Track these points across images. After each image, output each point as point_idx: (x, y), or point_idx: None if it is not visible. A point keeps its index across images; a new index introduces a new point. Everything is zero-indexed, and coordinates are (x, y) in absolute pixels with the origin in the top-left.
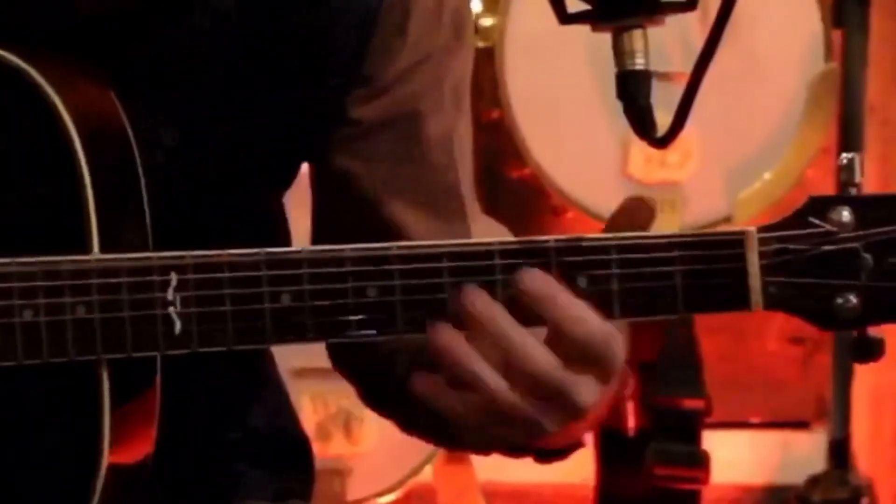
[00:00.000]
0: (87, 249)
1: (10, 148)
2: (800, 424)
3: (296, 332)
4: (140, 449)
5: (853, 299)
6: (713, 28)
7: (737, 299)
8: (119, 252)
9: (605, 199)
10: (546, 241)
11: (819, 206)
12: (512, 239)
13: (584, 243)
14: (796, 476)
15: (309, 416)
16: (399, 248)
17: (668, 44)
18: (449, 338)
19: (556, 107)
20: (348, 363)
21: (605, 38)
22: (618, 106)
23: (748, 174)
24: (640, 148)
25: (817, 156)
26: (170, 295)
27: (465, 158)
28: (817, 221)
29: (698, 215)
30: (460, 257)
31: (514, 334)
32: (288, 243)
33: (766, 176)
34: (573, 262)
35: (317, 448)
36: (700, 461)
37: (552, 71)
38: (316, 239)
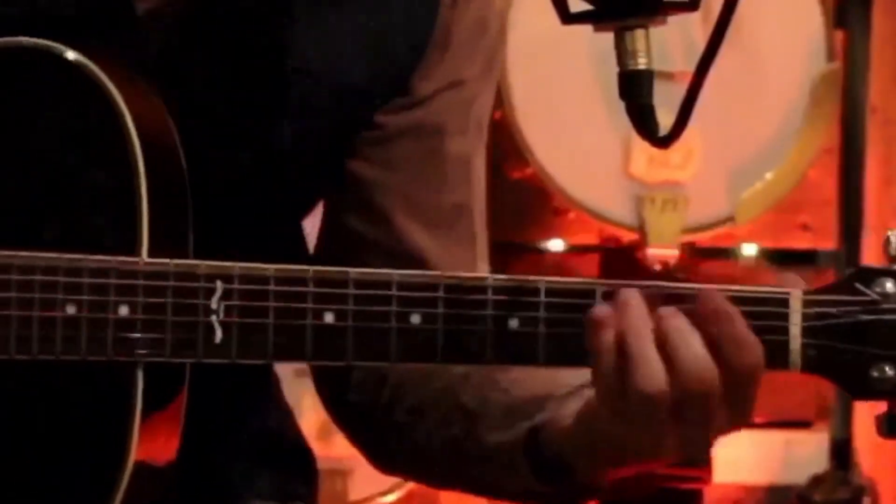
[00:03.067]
0: (135, 252)
1: (71, 144)
2: (802, 424)
3: (335, 353)
4: (165, 450)
5: (889, 371)
6: (716, 28)
7: (776, 358)
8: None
9: (608, 199)
10: (593, 284)
11: (866, 275)
12: (556, 279)
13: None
14: (798, 476)
15: (310, 416)
16: (448, 277)
17: (670, 43)
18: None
19: (559, 107)
20: (355, 427)
21: (608, 38)
22: (620, 106)
23: (750, 174)
24: (642, 148)
25: (819, 156)
26: (214, 303)
27: (479, 188)
28: (863, 289)
29: (700, 215)
30: (507, 291)
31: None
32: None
33: (768, 176)
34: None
35: (318, 448)
36: (702, 461)
37: (554, 71)
38: (322, 246)
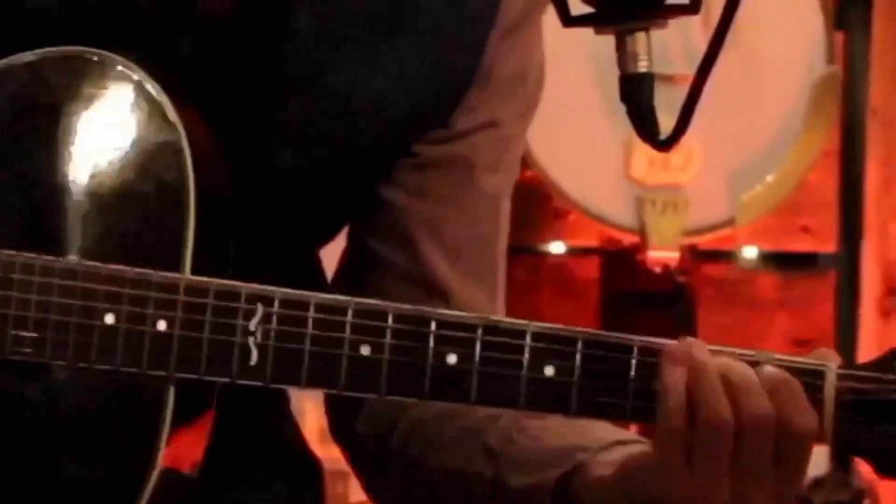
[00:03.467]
0: (178, 268)
1: (123, 154)
2: None
3: (368, 385)
4: (191, 458)
5: None
6: (716, 31)
7: None
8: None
9: (608, 201)
10: (631, 340)
11: None
12: (595, 332)
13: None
14: None
15: (312, 420)
16: (487, 319)
17: (671, 46)
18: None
19: (559, 109)
20: (359, 454)
21: (609, 41)
22: (621, 108)
23: (751, 177)
24: (642, 150)
25: (819, 158)
26: (252, 325)
27: (504, 228)
28: None
29: (701, 217)
30: (545, 338)
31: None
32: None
33: (769, 179)
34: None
35: (319, 451)
36: None
37: (555, 74)
38: (344, 267)
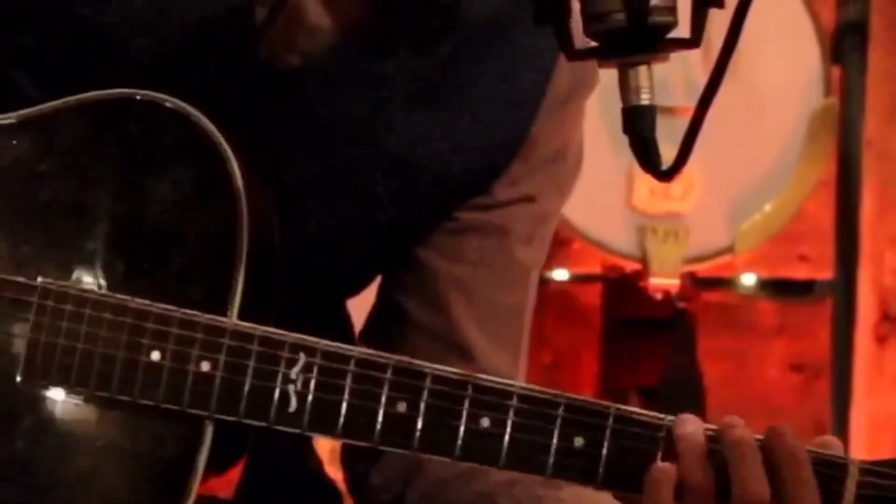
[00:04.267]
0: (225, 312)
1: (180, 198)
2: None
3: (401, 441)
4: (225, 486)
5: None
6: (716, 64)
7: None
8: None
9: (611, 229)
10: (661, 419)
11: None
12: (626, 408)
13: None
14: None
15: (323, 442)
16: (522, 387)
17: (672, 79)
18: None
19: None
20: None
21: (612, 74)
22: (623, 140)
23: (749, 206)
24: (644, 180)
25: (816, 188)
26: (293, 374)
27: (532, 300)
28: None
29: (701, 245)
30: (577, 410)
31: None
32: (352, 340)
33: (767, 208)
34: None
35: (331, 472)
36: None
37: None
38: (374, 322)
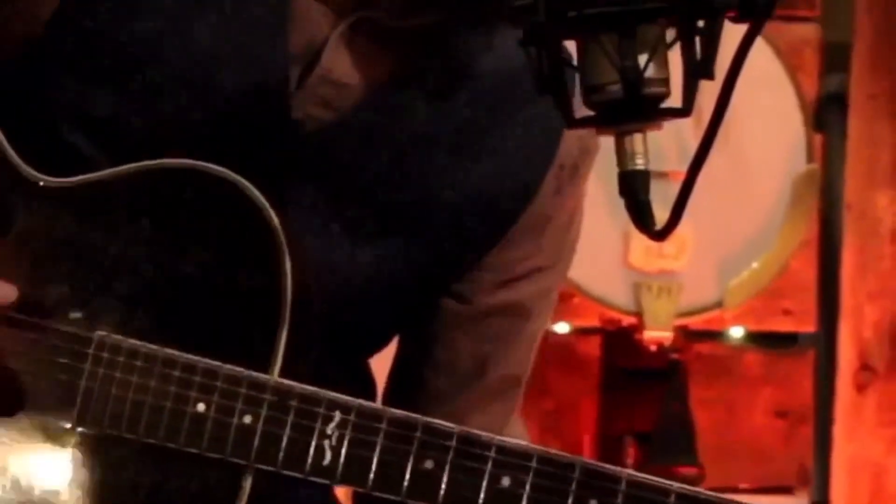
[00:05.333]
0: (267, 368)
1: (229, 261)
2: (784, 490)
3: (427, 496)
4: None
5: None
6: (707, 131)
7: None
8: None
9: (609, 286)
10: (670, 486)
11: None
12: (638, 475)
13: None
14: None
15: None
16: (542, 451)
17: (665, 145)
18: None
19: None
20: None
21: (608, 141)
22: (620, 202)
23: (738, 264)
24: (639, 240)
25: (800, 247)
26: (329, 430)
27: (531, 362)
28: None
29: (692, 301)
30: (590, 474)
31: None
32: (375, 399)
33: (755, 265)
34: None
35: None
36: None
37: None
38: (391, 389)
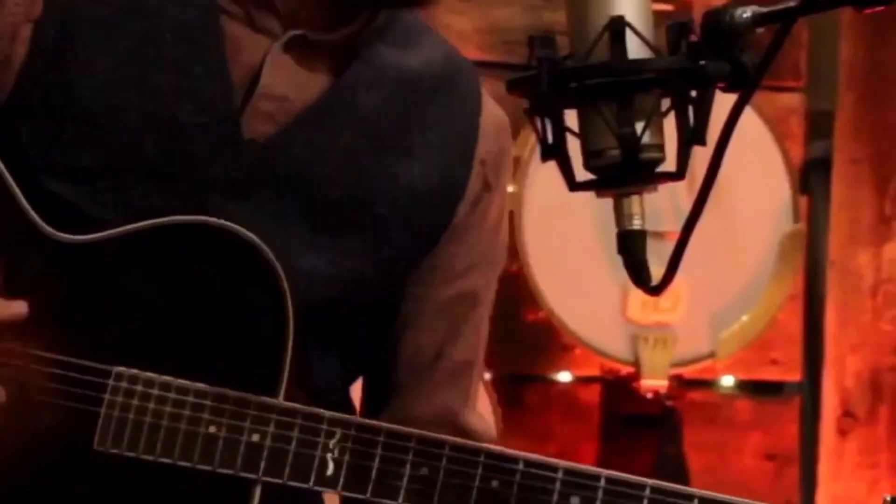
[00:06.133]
0: (274, 393)
1: (235, 299)
2: None
3: (423, 500)
4: None
5: None
6: (699, 193)
7: None
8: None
9: (608, 338)
10: (645, 483)
11: None
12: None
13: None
14: None
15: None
16: (524, 457)
17: (660, 207)
18: None
19: (566, 260)
20: None
21: (608, 203)
22: (618, 260)
23: (729, 317)
24: (637, 295)
25: (787, 301)
26: (331, 444)
27: (483, 347)
28: None
29: (686, 351)
30: (573, 473)
31: None
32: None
33: (744, 318)
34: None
35: None
36: None
37: (563, 230)
38: (365, 402)
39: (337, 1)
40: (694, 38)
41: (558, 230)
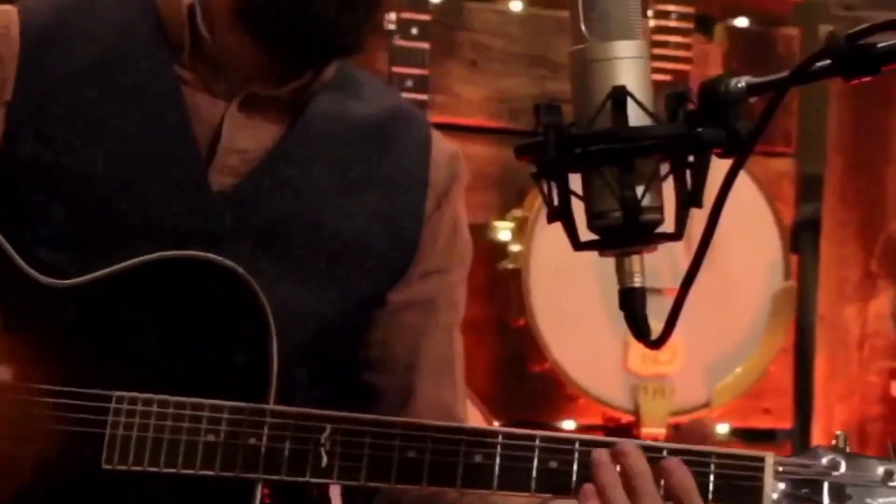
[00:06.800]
0: (264, 399)
1: (223, 329)
2: None
3: (414, 479)
4: None
5: None
6: (696, 253)
7: (752, 498)
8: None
9: (610, 388)
10: (624, 443)
11: (818, 450)
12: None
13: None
14: None
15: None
16: (504, 431)
17: (659, 265)
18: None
19: (571, 315)
20: None
21: (610, 262)
22: (620, 315)
23: (723, 369)
24: (637, 348)
25: (779, 354)
26: (323, 439)
27: (459, 351)
28: (816, 460)
29: (683, 401)
30: (547, 440)
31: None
32: None
33: (738, 370)
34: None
35: None
36: None
37: (568, 287)
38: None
39: (280, 61)
40: (691, 106)
41: (563, 287)
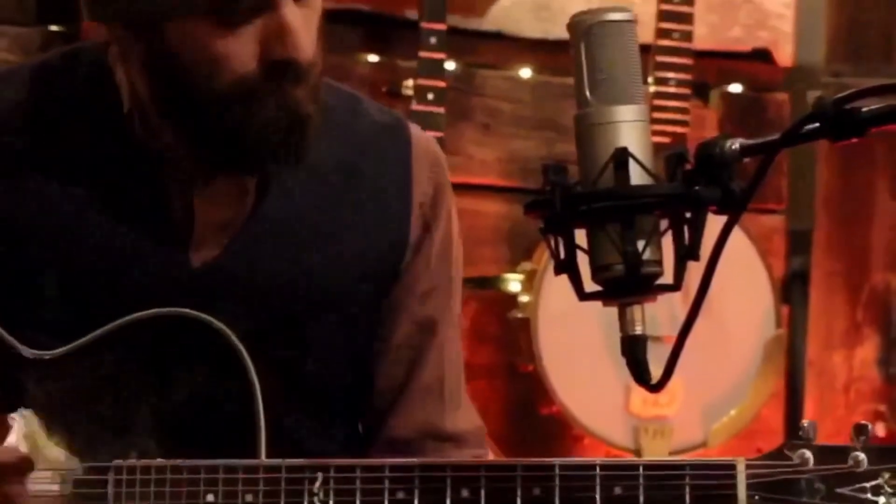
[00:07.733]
0: (255, 455)
1: (206, 381)
2: None
3: None
4: None
5: None
6: (693, 303)
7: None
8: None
9: (613, 429)
10: (594, 461)
11: (791, 446)
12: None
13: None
14: None
15: None
16: (489, 465)
17: (659, 314)
18: None
19: (576, 361)
20: None
21: (613, 311)
22: (622, 361)
23: (719, 411)
24: (638, 392)
25: (770, 398)
26: (315, 488)
27: (453, 361)
28: (788, 455)
29: (682, 441)
30: (531, 468)
31: None
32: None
33: (732, 413)
34: (613, 476)
35: None
36: None
37: (573, 335)
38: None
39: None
40: (689, 166)
41: (569, 335)
